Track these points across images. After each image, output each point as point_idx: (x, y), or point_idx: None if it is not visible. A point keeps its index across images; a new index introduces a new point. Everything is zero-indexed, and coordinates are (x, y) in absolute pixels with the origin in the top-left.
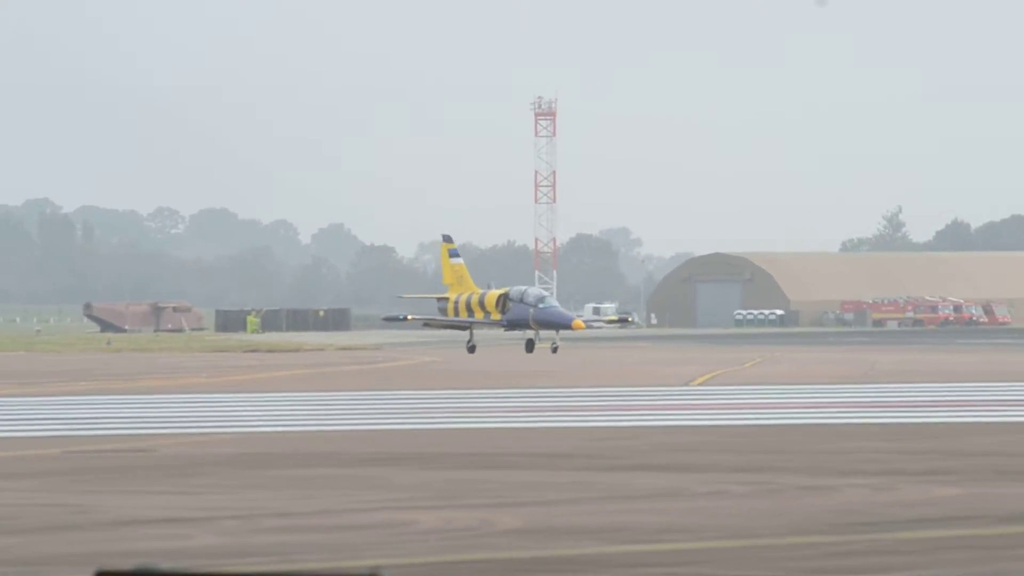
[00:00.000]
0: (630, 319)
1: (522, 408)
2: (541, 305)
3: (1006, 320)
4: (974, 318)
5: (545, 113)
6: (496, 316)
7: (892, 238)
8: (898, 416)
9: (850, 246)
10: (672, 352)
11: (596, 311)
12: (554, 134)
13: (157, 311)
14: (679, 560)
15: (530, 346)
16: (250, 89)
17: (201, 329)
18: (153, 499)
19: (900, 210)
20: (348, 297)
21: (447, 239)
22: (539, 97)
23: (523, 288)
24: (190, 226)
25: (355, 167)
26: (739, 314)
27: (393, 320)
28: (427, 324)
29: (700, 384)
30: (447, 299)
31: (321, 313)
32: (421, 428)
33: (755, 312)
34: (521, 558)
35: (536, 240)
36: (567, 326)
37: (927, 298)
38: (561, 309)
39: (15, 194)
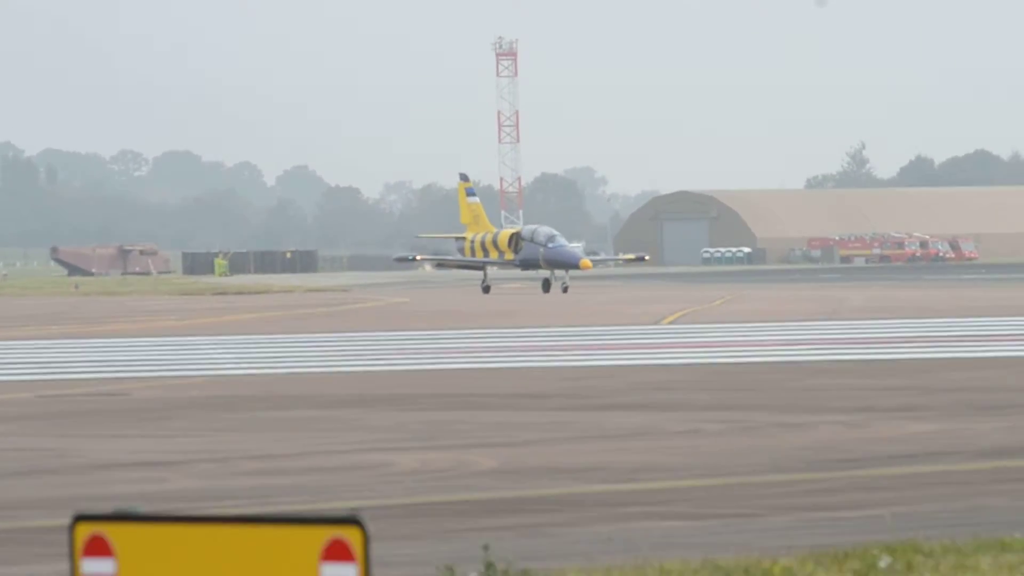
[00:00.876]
0: (646, 257)
1: (494, 348)
2: (551, 244)
3: (973, 255)
4: (940, 254)
5: (506, 53)
6: (509, 256)
7: (856, 174)
8: (870, 352)
9: (815, 183)
10: (641, 291)
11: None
12: (515, 74)
13: (124, 254)
14: (655, 499)
15: (546, 286)
16: (212, 34)
17: (168, 272)
18: (128, 443)
19: (864, 146)
20: (315, 238)
21: (464, 178)
22: (500, 37)
23: (534, 227)
24: (153, 168)
25: (318, 110)
26: (707, 252)
27: (403, 260)
28: (440, 265)
29: (671, 323)
30: (464, 239)
31: (288, 255)
32: (394, 369)
33: (722, 250)
34: (498, 498)
35: (501, 180)
36: (575, 265)
37: (893, 234)
38: (570, 248)
39: None
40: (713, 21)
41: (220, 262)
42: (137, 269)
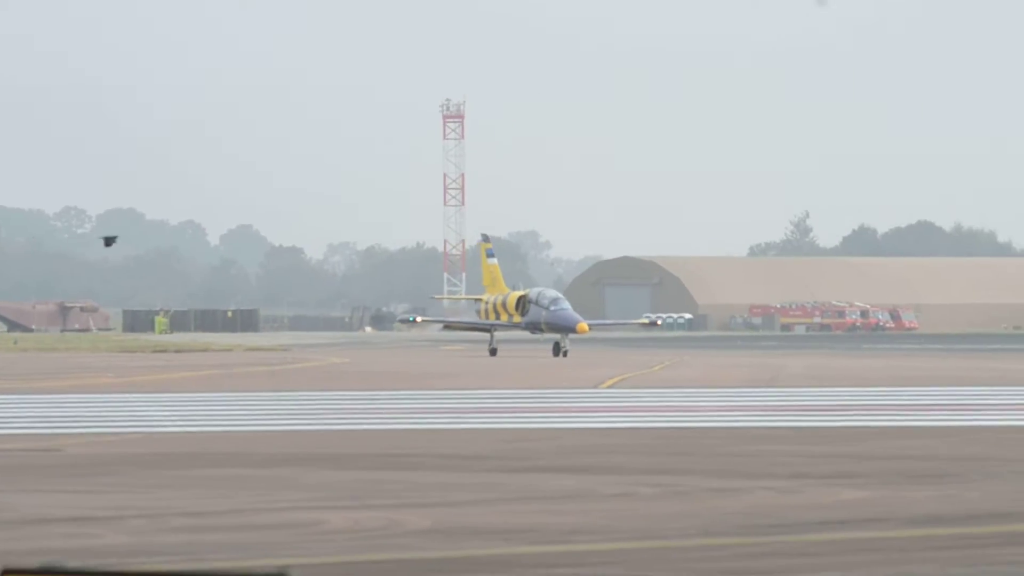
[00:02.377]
0: (659, 322)
1: (431, 410)
2: (553, 308)
3: (913, 325)
4: (881, 323)
5: (453, 116)
6: (517, 319)
7: (800, 243)
8: (805, 420)
9: (758, 251)
10: (582, 355)
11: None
12: (462, 136)
13: (64, 311)
14: (588, 561)
15: (556, 349)
16: (157, 92)
17: (108, 329)
18: (60, 498)
19: (807, 215)
20: (257, 298)
21: (485, 238)
22: (447, 99)
23: (539, 289)
24: (97, 226)
25: (264, 169)
26: (648, 317)
27: (405, 322)
28: (447, 326)
29: (609, 387)
30: (481, 300)
31: (229, 314)
32: (330, 429)
33: (664, 316)
34: (429, 558)
35: (445, 242)
36: (572, 329)
37: (834, 303)
38: (571, 312)
39: None
40: (658, 88)
41: (160, 320)
42: (77, 326)
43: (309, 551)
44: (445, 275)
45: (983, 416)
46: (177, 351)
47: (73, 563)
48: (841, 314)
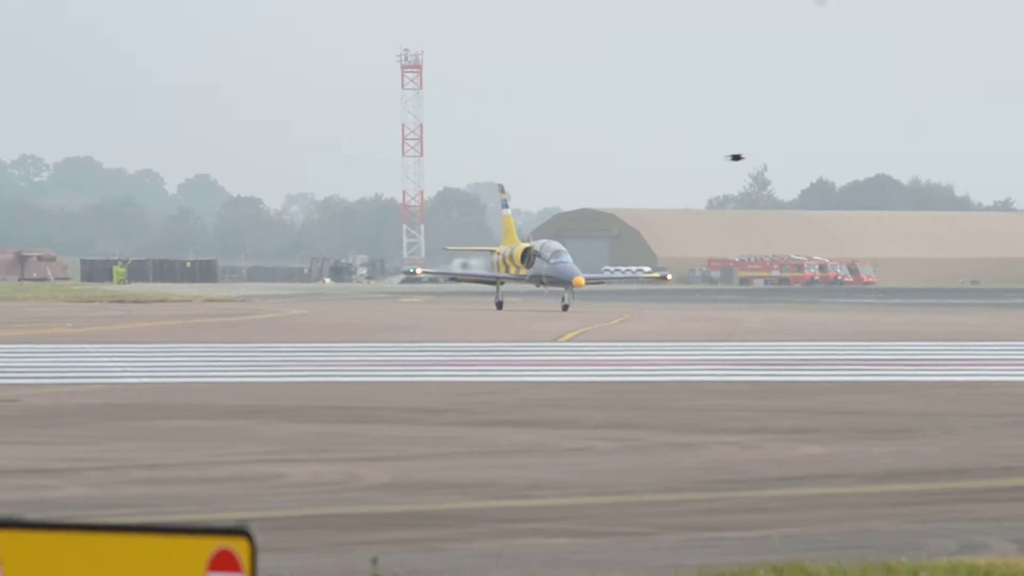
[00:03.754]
0: (668, 276)
1: (390, 362)
2: (553, 260)
3: (871, 279)
4: (839, 277)
5: (412, 66)
6: (524, 271)
7: (758, 196)
8: (763, 374)
9: (716, 203)
10: (541, 307)
11: (464, 265)
12: (421, 87)
13: (21, 260)
14: (547, 516)
15: (564, 302)
16: (115, 39)
17: (66, 279)
18: (18, 449)
19: (766, 168)
20: (215, 248)
21: (501, 188)
22: (405, 49)
23: (543, 241)
24: (54, 174)
25: (220, 118)
26: (607, 270)
27: (408, 274)
28: (453, 278)
29: (568, 340)
30: (495, 252)
31: (188, 264)
32: (289, 381)
33: (623, 268)
34: (389, 512)
35: (404, 193)
36: (568, 282)
37: (793, 257)
38: (569, 265)
39: None
40: (618, 39)
41: (119, 270)
42: (35, 275)
43: (269, 504)
44: (404, 227)
45: (940, 372)
46: (135, 301)
47: (31, 515)
48: (799, 268)
